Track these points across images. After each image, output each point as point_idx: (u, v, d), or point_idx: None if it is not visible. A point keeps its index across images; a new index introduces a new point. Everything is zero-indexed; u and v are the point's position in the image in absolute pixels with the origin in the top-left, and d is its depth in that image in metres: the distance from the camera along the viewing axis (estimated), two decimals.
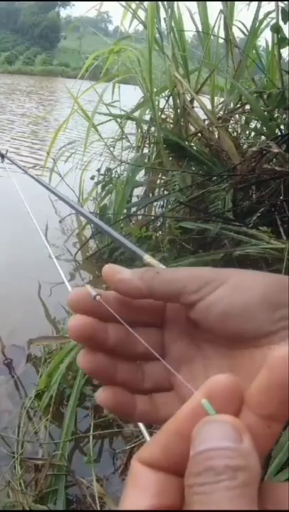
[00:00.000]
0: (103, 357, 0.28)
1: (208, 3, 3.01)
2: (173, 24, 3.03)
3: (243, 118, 3.01)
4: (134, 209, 3.11)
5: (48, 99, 14.60)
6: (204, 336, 0.29)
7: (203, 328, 0.28)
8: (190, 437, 0.18)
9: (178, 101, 3.02)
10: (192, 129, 3.01)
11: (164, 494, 0.18)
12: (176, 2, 3.03)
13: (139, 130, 3.40)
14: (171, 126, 3.18)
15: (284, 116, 2.57)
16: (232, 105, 2.99)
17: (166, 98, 3.18)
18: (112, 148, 3.39)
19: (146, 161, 3.20)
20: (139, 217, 3.05)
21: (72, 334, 0.27)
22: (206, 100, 3.05)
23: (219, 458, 0.16)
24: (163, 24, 3.06)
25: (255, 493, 0.17)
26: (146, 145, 3.35)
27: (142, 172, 3.25)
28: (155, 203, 3.16)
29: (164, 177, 3.11)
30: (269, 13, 2.80)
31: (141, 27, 3.27)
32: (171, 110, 3.24)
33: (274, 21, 2.40)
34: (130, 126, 3.66)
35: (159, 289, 0.28)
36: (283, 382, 0.18)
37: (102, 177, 3.15)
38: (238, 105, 2.92)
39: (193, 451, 0.17)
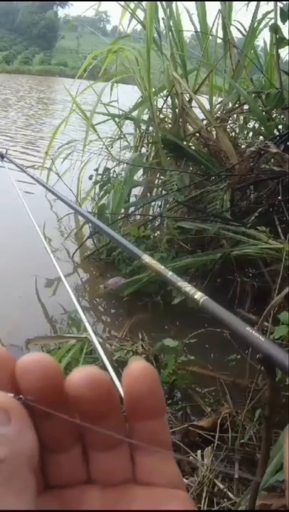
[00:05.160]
0: None
1: (206, 3, 3.01)
2: (171, 24, 3.03)
3: (242, 118, 3.01)
4: (132, 209, 3.11)
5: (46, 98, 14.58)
6: None
7: None
8: None
9: (176, 101, 3.02)
10: (190, 128, 3.01)
11: None
12: (174, 2, 3.03)
13: (138, 130, 3.40)
14: (170, 126, 3.17)
15: (282, 116, 2.57)
16: (230, 105, 2.99)
17: (165, 98, 3.18)
18: (110, 148, 3.39)
19: (144, 160, 3.20)
20: (137, 216, 3.05)
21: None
22: (204, 100, 3.05)
23: None
24: (161, 24, 3.06)
25: (23, 482, 0.15)
26: (145, 145, 3.35)
27: (140, 172, 3.24)
28: (153, 203, 3.16)
29: (162, 177, 3.11)
30: (268, 13, 2.80)
31: (139, 27, 3.27)
32: (169, 110, 3.24)
33: (272, 21, 2.40)
34: (128, 126, 3.66)
35: None
36: None
37: (100, 177, 3.15)
38: (237, 105, 2.93)
39: None
